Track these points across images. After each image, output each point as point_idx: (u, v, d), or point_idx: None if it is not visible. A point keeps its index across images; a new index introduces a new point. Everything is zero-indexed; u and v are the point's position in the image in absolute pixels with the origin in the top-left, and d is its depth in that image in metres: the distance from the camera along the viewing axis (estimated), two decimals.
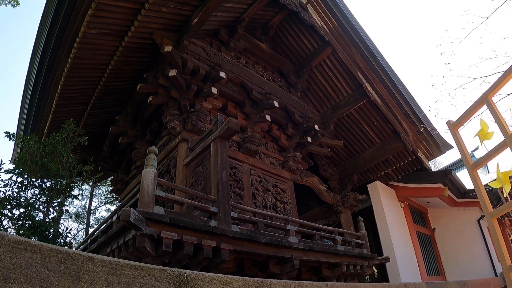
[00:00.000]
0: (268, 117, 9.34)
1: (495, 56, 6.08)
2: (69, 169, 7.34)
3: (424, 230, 14.22)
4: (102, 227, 6.56)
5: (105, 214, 28.26)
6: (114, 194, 12.83)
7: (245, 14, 9.38)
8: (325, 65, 10.96)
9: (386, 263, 10.74)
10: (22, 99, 9.12)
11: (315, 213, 12.43)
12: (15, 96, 53.48)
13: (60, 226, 7.40)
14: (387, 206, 12.16)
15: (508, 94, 5.73)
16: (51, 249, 1.35)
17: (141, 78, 8.28)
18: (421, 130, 10.67)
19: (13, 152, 10.28)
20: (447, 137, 11.44)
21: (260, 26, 10.81)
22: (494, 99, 2.52)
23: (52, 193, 7.06)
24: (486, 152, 2.41)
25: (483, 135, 2.38)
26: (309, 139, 10.30)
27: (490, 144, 2.40)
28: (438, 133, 11.00)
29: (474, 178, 2.49)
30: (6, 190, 6.64)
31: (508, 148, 2.24)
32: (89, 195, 26.99)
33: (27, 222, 6.51)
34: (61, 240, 7.13)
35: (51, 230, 6.75)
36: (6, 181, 6.68)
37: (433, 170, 13.89)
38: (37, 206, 6.83)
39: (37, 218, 6.72)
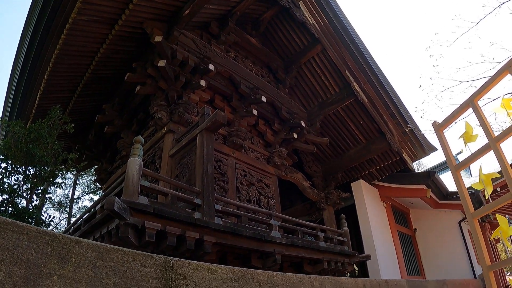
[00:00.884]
0: (255, 112, 9.36)
1: (483, 61, 6.15)
2: (54, 156, 7.28)
3: (405, 230, 14.40)
4: (85, 216, 6.53)
5: (88, 203, 28.04)
6: (98, 184, 12.76)
7: (237, 8, 9.37)
8: (314, 62, 11.00)
9: (367, 261, 10.87)
10: (8, 85, 9.00)
11: (298, 210, 12.50)
12: (1, 81, 52.68)
13: (43, 214, 7.35)
14: (370, 205, 12.29)
15: (494, 99, 5.81)
16: (38, 231, 1.36)
17: (130, 68, 8.21)
18: (406, 130, 10.78)
19: None
20: (432, 139, 11.58)
21: (251, 20, 10.80)
22: (480, 103, 2.56)
23: (36, 180, 7.00)
24: (470, 154, 2.46)
25: (467, 137, 2.43)
26: (295, 135, 10.34)
27: (474, 146, 2.45)
28: (423, 134, 11.11)
29: (457, 179, 2.54)
30: None
31: (492, 151, 2.29)
32: (72, 184, 26.75)
33: (9, 208, 6.45)
34: (44, 228, 7.06)
35: (34, 217, 6.69)
36: None
37: (416, 171, 14.06)
38: (20, 193, 6.78)
39: (20, 205, 6.67)
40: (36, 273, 1.29)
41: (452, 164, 2.58)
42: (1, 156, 6.71)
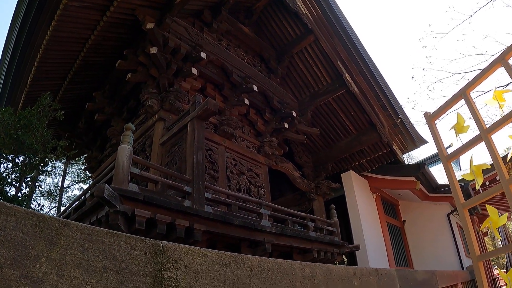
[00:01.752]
0: (246, 101, 9.34)
1: (475, 53, 6.21)
2: (44, 144, 7.21)
3: (394, 221, 14.52)
4: (74, 204, 6.51)
5: (78, 193, 27.90)
6: (87, 173, 12.69)
7: None
8: (306, 52, 10.99)
9: (356, 252, 10.96)
10: None
11: (289, 199, 12.54)
12: None
13: (32, 202, 7.30)
14: (359, 196, 12.36)
15: (486, 92, 5.85)
16: (27, 212, 1.34)
17: (121, 55, 8.14)
18: (397, 121, 10.83)
19: None
20: (423, 132, 11.65)
21: (244, 9, 10.75)
22: (472, 96, 2.57)
23: (26, 168, 6.95)
24: (461, 144, 2.47)
25: (459, 128, 2.43)
26: (286, 125, 10.35)
27: (465, 137, 2.46)
28: (414, 127, 11.17)
29: (448, 169, 2.55)
30: None
31: (483, 142, 2.30)
32: (62, 173, 26.62)
33: None
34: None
35: (23, 205, 6.64)
36: None
37: (406, 163, 14.14)
38: (9, 181, 6.72)
39: (9, 193, 6.62)
40: (24, 255, 1.28)
41: (443, 155, 2.58)
42: None
